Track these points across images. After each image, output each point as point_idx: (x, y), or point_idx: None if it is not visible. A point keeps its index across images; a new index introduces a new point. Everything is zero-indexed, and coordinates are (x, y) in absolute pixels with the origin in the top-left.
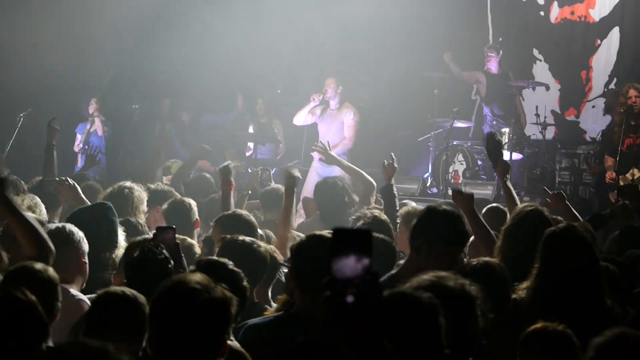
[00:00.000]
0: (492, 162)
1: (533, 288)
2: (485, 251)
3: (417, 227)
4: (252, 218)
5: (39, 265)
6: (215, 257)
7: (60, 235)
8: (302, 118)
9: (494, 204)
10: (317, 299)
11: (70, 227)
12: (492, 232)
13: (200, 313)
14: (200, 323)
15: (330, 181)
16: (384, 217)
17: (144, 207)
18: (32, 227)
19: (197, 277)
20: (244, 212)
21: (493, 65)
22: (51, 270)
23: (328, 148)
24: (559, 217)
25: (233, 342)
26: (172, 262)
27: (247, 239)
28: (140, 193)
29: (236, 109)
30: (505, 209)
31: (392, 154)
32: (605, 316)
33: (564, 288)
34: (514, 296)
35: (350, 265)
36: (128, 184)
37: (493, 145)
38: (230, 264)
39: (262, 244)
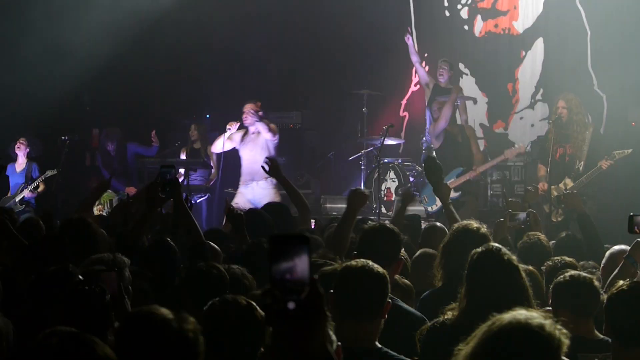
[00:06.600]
0: (433, 187)
1: (460, 310)
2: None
3: None
4: None
5: None
6: None
7: None
8: (219, 146)
9: (434, 223)
10: None
11: None
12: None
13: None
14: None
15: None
16: None
17: None
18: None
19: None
20: None
21: (443, 79)
22: None
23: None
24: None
25: None
26: (109, 295)
27: None
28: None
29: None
30: (444, 227)
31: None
32: None
33: (490, 309)
34: (441, 318)
35: (289, 271)
36: None
37: (433, 170)
38: None
39: None
